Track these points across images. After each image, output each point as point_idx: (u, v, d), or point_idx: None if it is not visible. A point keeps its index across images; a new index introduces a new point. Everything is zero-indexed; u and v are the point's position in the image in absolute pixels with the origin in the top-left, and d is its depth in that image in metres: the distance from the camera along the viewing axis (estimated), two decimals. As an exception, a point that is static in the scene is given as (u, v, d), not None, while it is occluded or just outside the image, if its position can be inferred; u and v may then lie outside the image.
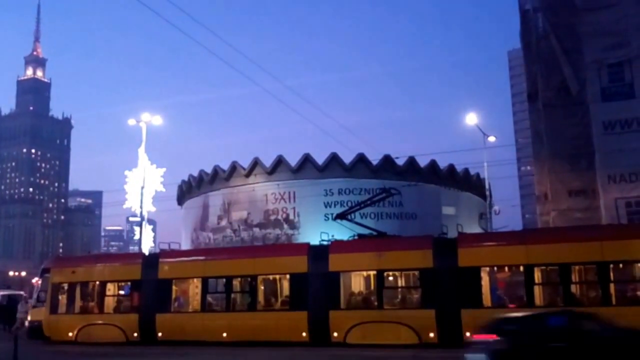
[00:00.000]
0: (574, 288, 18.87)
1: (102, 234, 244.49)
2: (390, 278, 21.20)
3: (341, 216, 23.95)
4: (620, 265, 18.57)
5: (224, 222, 45.00)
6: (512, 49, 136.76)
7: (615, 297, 18.07)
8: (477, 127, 41.52)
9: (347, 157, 42.56)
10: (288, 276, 21.61)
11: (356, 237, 22.49)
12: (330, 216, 32.72)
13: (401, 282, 21.48)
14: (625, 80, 31.89)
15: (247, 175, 43.96)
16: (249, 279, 22.02)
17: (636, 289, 18.67)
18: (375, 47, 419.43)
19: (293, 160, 43.05)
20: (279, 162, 43.17)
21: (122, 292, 24.85)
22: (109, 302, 24.14)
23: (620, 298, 18.16)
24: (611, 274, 18.17)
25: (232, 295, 22.41)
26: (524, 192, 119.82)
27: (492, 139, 42.40)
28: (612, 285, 18.12)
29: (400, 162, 41.76)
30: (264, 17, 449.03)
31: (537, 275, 19.00)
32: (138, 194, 42.84)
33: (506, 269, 19.99)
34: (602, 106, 31.66)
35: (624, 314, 17.35)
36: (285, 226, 42.03)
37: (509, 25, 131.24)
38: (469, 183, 45.50)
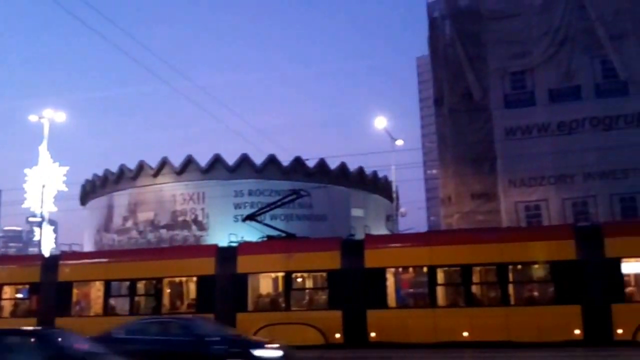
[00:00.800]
0: (475, 289, 19.48)
1: (0, 234, 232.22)
2: (299, 280, 21.21)
3: (251, 217, 23.68)
4: (519, 267, 19.32)
5: (129, 223, 43.61)
6: (421, 55, 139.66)
7: (514, 297, 18.82)
8: (385, 131, 42.42)
9: (258, 158, 42.28)
10: (195, 278, 21.27)
11: (265, 239, 22.32)
12: (239, 217, 32.35)
13: (309, 284, 21.51)
14: (527, 88, 33.40)
15: (155, 175, 42.80)
16: (154, 282, 21.46)
17: (533, 289, 19.46)
18: (287, 50, 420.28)
19: (203, 160, 42.32)
20: (189, 162, 42.30)
21: (19, 296, 23.82)
22: (5, 306, 23.19)
23: (518, 298, 18.92)
24: (510, 275, 18.88)
25: (137, 299, 21.79)
26: (430, 195, 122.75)
27: (399, 142, 43.44)
28: (510, 286, 18.83)
29: (311, 164, 41.91)
30: (174, 15, 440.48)
31: (440, 276, 19.48)
32: (38, 193, 41.06)
33: (411, 270, 20.33)
34: (504, 112, 33.01)
35: (522, 313, 18.22)
36: (194, 227, 41.24)
37: (419, 31, 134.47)
38: (377, 185, 46.22)
